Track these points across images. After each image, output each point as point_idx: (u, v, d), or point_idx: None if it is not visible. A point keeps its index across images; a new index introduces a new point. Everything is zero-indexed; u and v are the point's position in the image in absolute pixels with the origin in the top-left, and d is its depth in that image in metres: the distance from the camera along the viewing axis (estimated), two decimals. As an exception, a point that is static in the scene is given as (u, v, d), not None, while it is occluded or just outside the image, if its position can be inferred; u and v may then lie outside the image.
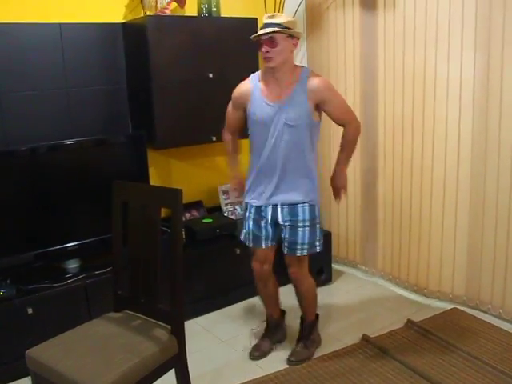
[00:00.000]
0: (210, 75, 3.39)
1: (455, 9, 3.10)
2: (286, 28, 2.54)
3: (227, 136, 2.95)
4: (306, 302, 3.03)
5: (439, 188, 3.41)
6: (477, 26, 3.03)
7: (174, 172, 3.77)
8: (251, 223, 2.83)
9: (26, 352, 2.13)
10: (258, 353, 3.02)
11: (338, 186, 2.91)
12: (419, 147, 3.47)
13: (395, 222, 3.74)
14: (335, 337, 3.18)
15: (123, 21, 3.37)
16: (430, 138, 3.40)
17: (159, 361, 2.12)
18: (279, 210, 2.75)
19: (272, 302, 3.07)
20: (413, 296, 3.67)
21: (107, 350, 2.09)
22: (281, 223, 2.78)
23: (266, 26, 2.55)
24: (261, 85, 2.69)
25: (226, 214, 3.88)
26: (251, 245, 2.87)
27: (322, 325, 3.32)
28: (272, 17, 2.57)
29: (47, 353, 2.09)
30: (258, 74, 2.76)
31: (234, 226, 3.62)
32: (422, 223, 3.55)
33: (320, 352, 2.99)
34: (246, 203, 2.85)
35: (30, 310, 2.80)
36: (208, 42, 3.37)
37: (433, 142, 3.38)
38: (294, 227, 2.76)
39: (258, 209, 2.80)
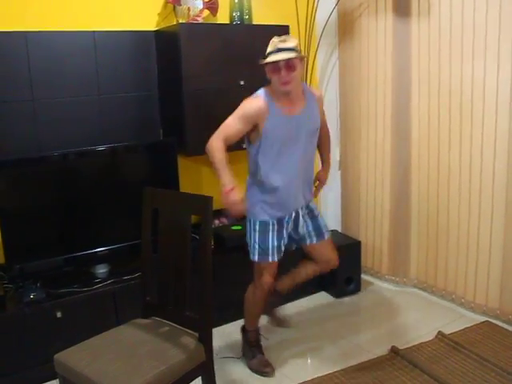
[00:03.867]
0: (242, 83, 3.39)
1: (492, 16, 3.04)
2: (299, 51, 2.65)
3: (220, 144, 2.67)
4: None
5: (475, 197, 3.34)
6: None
7: (205, 179, 3.77)
8: (273, 236, 2.82)
9: (55, 356, 2.15)
10: (269, 368, 2.96)
11: (324, 180, 3.15)
12: (456, 158, 3.42)
13: (430, 230, 3.68)
14: (364, 348, 3.14)
15: (156, 28, 3.40)
16: (467, 148, 3.34)
17: (186, 368, 2.12)
18: (300, 211, 2.91)
19: (260, 316, 3.09)
20: (444, 308, 3.60)
21: (134, 357, 2.09)
22: (301, 219, 2.91)
23: (281, 50, 2.60)
24: (275, 102, 2.70)
25: (254, 222, 3.86)
26: (274, 258, 2.84)
27: (351, 335, 3.29)
28: (284, 41, 2.62)
29: (75, 357, 2.11)
30: (265, 91, 2.74)
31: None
32: (460, 232, 3.48)
33: (348, 363, 2.95)
34: (263, 221, 2.81)
35: (58, 314, 2.82)
36: (240, 50, 3.37)
37: (470, 153, 3.32)
38: (314, 216, 2.96)
39: (280, 219, 2.83)
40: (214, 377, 2.29)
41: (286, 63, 2.59)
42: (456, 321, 3.39)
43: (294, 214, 2.87)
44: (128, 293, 2.96)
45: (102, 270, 3.12)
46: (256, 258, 2.84)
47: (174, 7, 3.34)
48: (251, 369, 2.99)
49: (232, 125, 2.69)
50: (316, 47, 3.94)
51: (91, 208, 3.12)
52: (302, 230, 2.93)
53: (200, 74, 3.26)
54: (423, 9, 3.42)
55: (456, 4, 3.22)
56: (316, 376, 2.85)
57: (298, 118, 2.73)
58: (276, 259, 2.85)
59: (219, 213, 3.75)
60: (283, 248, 2.89)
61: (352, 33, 3.94)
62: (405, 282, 3.93)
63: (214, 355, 2.31)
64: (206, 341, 2.21)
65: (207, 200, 2.17)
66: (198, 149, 3.36)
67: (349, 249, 3.82)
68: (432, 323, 3.36)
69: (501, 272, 3.28)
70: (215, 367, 2.29)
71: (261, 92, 2.75)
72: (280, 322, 3.34)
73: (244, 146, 2.94)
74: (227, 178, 2.61)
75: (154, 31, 3.39)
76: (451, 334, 3.20)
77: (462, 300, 3.54)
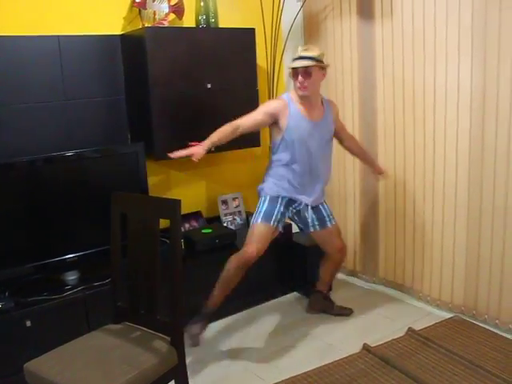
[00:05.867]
0: (209, 86, 3.40)
1: (452, 17, 3.11)
2: (319, 61, 2.97)
3: (226, 126, 2.96)
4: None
5: (439, 197, 3.40)
6: (473, 33, 3.03)
7: (173, 183, 3.77)
8: (279, 209, 3.14)
9: (25, 365, 2.12)
10: (192, 341, 3.06)
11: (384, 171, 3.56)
12: (421, 159, 3.48)
13: (398, 230, 3.74)
14: (336, 346, 3.16)
15: (121, 32, 3.38)
16: (430, 149, 3.40)
17: (159, 372, 2.11)
18: (309, 208, 3.21)
19: (228, 291, 3.14)
20: (413, 305, 3.66)
21: (106, 362, 2.08)
22: (307, 212, 3.22)
23: (302, 58, 2.95)
24: (297, 105, 3.06)
25: (225, 224, 3.88)
26: (275, 224, 3.12)
27: (323, 334, 3.32)
28: (307, 50, 2.98)
29: (46, 366, 2.08)
30: (287, 94, 3.12)
31: (234, 235, 3.62)
32: (425, 231, 3.54)
33: (320, 362, 2.98)
34: (274, 196, 3.15)
35: (28, 323, 2.78)
36: (206, 53, 3.38)
37: (433, 153, 3.39)
38: (318, 208, 3.27)
39: (288, 201, 3.18)
40: (187, 380, 2.29)
41: (304, 70, 2.95)
42: (425, 317, 3.44)
43: (302, 204, 3.20)
44: (99, 299, 2.93)
45: (71, 276, 3.08)
46: (259, 219, 3.12)
47: (140, 11, 3.33)
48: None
49: (252, 115, 3.05)
50: (282, 50, 3.97)
51: (59, 214, 3.08)
52: (306, 219, 3.24)
53: (167, 77, 3.25)
54: (386, 11, 3.48)
55: (417, 7, 3.28)
56: (289, 376, 2.86)
57: (314, 124, 3.09)
58: (276, 225, 3.13)
59: (189, 216, 3.76)
60: (281, 225, 3.19)
61: (318, 35, 3.98)
62: (374, 281, 3.98)
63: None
64: (178, 344, 2.20)
65: (175, 203, 2.17)
66: (166, 153, 3.37)
67: (320, 249, 3.84)
68: (402, 320, 3.41)
69: (464, 270, 3.35)
70: (188, 371, 2.29)
71: (284, 94, 3.15)
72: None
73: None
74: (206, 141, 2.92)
75: (120, 35, 3.37)
76: (421, 329, 3.25)
77: (429, 298, 3.61)
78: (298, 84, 2.99)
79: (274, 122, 3.07)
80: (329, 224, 3.30)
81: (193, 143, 2.93)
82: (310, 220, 3.24)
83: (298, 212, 3.24)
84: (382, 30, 3.53)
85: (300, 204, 3.20)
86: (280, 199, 3.15)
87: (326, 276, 3.53)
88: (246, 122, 3.02)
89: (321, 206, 3.28)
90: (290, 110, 3.04)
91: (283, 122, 3.04)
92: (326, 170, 3.28)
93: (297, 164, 3.10)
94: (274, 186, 3.16)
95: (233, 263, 3.06)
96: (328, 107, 3.19)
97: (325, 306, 3.56)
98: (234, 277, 3.07)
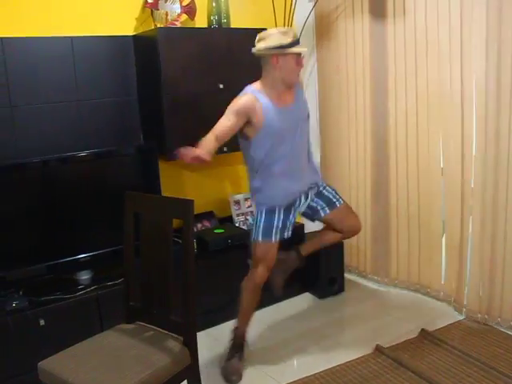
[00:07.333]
0: (221, 86, 3.40)
1: (466, 15, 3.09)
2: None
3: (211, 136, 2.70)
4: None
5: (456, 196, 3.38)
6: (488, 30, 2.99)
7: (186, 183, 3.77)
8: (279, 218, 2.94)
9: (38, 364, 2.14)
10: (235, 377, 2.91)
11: None
12: (434, 157, 3.47)
13: (412, 230, 3.72)
14: (348, 347, 3.16)
15: (134, 33, 3.39)
16: (446, 149, 3.38)
17: (171, 372, 2.12)
18: (309, 193, 3.07)
19: (252, 315, 3.06)
20: (427, 305, 3.64)
21: (119, 362, 2.08)
22: (310, 199, 3.08)
23: (298, 42, 2.75)
24: (265, 96, 2.79)
25: (237, 225, 3.88)
26: (276, 238, 2.93)
27: (335, 334, 3.31)
28: (289, 33, 2.73)
29: (59, 365, 2.09)
30: (252, 88, 2.83)
31: (246, 236, 3.61)
32: (440, 231, 3.52)
33: (333, 362, 2.97)
34: (269, 209, 2.93)
35: (42, 322, 2.80)
36: (218, 53, 3.38)
37: (449, 154, 3.37)
38: (320, 192, 3.11)
39: (288, 205, 2.97)
40: (200, 380, 2.30)
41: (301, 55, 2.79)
42: (438, 318, 3.42)
43: (303, 197, 3.04)
44: (112, 298, 2.94)
45: (84, 276, 3.10)
46: (260, 237, 2.93)
47: (152, 12, 3.34)
48: (221, 369, 2.96)
49: (224, 122, 2.74)
50: (294, 50, 3.96)
51: (73, 214, 3.10)
52: (313, 206, 3.10)
53: (179, 77, 3.26)
54: (398, 10, 3.46)
55: (430, 5, 3.27)
56: (301, 376, 2.86)
57: (291, 110, 2.87)
58: (278, 239, 2.95)
59: (202, 216, 3.76)
60: (287, 232, 3.00)
61: (329, 35, 3.97)
62: (386, 282, 3.96)
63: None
64: (190, 344, 2.21)
65: (188, 203, 2.17)
66: (174, 151, 3.36)
67: (332, 249, 3.83)
68: (415, 321, 3.39)
69: (479, 272, 3.31)
70: (200, 370, 2.29)
71: (248, 89, 2.84)
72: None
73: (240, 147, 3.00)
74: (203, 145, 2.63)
75: (132, 36, 3.38)
76: (434, 331, 3.23)
77: (448, 298, 3.59)
78: (300, 70, 2.82)
79: (246, 121, 2.79)
80: (337, 204, 3.11)
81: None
82: (316, 204, 3.09)
83: (305, 204, 3.09)
84: (395, 29, 3.51)
85: (300, 200, 3.03)
86: (277, 208, 2.94)
87: (323, 240, 3.28)
88: (221, 129, 2.73)
89: (323, 190, 3.11)
90: (261, 103, 2.77)
91: (257, 118, 2.76)
92: (308, 147, 3.05)
93: (281, 156, 2.86)
94: (266, 196, 2.94)
95: (248, 289, 2.98)
96: (296, 86, 2.94)
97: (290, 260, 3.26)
98: (252, 300, 2.99)
